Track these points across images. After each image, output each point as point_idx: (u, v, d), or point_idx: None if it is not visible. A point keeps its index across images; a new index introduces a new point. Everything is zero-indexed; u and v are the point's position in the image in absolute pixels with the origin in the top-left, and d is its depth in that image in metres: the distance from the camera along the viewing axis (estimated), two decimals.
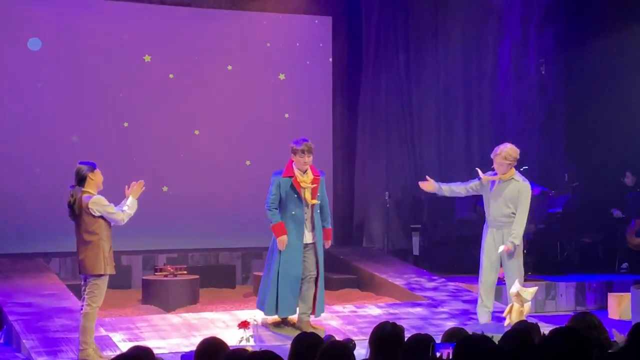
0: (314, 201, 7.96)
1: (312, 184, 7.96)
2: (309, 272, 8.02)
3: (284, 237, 7.94)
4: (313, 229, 8.05)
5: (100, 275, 7.22)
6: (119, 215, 7.25)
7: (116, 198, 7.51)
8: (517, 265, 8.41)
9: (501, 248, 8.32)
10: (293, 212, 7.95)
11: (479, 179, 8.58)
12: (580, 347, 3.65)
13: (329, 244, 8.24)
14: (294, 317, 8.17)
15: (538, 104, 13.29)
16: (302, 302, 8.05)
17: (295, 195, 7.92)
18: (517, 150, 8.42)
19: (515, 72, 13.21)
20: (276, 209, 7.98)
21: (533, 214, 10.79)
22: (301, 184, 7.92)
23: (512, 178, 8.43)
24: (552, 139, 13.32)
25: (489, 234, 8.46)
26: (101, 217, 7.21)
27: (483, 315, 8.59)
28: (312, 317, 8.16)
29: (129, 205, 7.33)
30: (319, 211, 8.08)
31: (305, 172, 7.98)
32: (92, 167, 7.31)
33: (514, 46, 13.20)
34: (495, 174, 8.47)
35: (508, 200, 8.40)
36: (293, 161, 8.00)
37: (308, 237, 8.03)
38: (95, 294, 7.23)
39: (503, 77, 13.23)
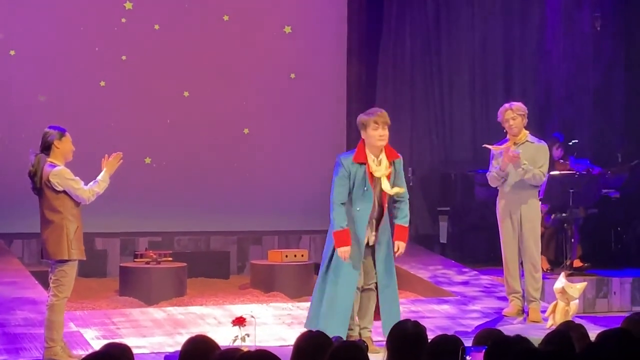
0: (396, 190, 7.49)
1: (388, 169, 7.51)
2: (371, 280, 7.65)
3: (347, 249, 7.41)
4: (377, 228, 7.60)
5: (66, 261, 7.23)
6: (85, 193, 7.24)
7: (89, 170, 7.52)
8: (534, 237, 8.81)
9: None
10: (358, 209, 7.52)
11: (492, 156, 8.76)
12: (634, 353, 3.67)
13: (402, 247, 7.63)
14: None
15: (592, 66, 13.22)
16: (362, 316, 7.72)
17: (365, 188, 7.47)
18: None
19: (565, 27, 13.14)
20: (343, 203, 7.48)
21: (583, 196, 10.79)
22: (374, 174, 7.46)
23: (527, 140, 8.82)
24: (608, 107, 13.26)
25: (504, 207, 8.82)
26: (64, 192, 7.22)
27: (514, 303, 8.86)
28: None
29: (99, 182, 7.31)
30: (393, 204, 7.63)
31: (379, 156, 7.50)
32: (62, 132, 7.32)
33: None
34: (504, 141, 8.80)
35: None
36: (364, 142, 7.51)
37: (371, 238, 7.60)
38: (62, 282, 7.25)
39: (551, 33, 13.16)
